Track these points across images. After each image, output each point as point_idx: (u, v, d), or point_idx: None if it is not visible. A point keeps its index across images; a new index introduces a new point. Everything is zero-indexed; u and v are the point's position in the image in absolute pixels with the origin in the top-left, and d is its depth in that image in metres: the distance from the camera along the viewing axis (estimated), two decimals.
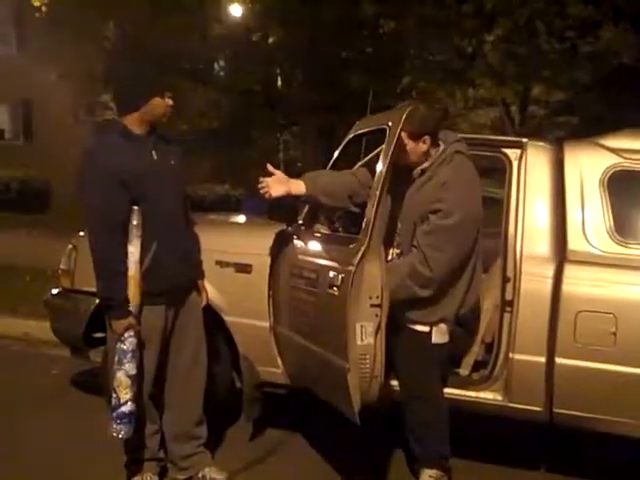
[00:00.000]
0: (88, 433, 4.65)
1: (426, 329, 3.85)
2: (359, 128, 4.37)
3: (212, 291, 4.41)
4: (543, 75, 17.09)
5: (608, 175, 3.99)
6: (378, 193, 3.48)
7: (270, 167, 3.96)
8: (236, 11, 14.94)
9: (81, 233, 5.08)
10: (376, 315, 3.44)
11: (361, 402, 3.43)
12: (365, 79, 13.09)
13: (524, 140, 4.22)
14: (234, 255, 4.44)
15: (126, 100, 3.65)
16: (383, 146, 3.64)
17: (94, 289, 4.59)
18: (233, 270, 4.44)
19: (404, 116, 3.56)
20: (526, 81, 17.84)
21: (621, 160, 4.00)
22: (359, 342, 3.37)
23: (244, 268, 4.39)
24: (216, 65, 15.74)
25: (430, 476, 3.83)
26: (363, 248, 3.40)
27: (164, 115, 3.68)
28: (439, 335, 3.87)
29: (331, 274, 3.58)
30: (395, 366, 3.86)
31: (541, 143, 4.24)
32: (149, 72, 3.71)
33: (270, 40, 14.59)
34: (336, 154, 4.48)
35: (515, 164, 4.16)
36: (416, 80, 15.25)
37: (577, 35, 15.89)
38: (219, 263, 4.45)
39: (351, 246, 3.52)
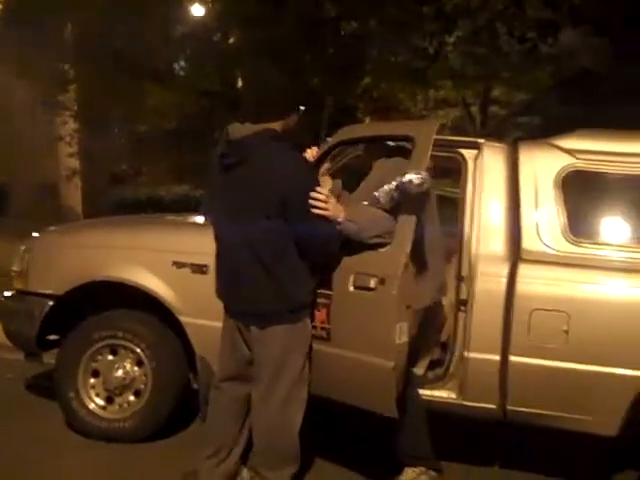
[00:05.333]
0: (45, 437, 4.62)
1: None
2: (349, 135, 4.20)
3: (168, 292, 4.43)
4: (504, 76, 17.21)
5: (562, 175, 4.04)
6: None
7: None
8: (197, 11, 14.85)
9: (35, 234, 5.03)
10: (409, 315, 3.58)
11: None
12: (326, 80, 13.10)
13: (480, 141, 4.24)
14: (190, 256, 4.41)
15: (275, 107, 3.62)
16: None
17: (48, 291, 4.62)
18: (189, 271, 4.41)
19: (435, 129, 3.59)
20: (487, 82, 17.95)
21: (575, 161, 4.05)
22: (397, 341, 3.45)
23: (200, 269, 4.36)
24: (176, 65, 15.64)
25: (413, 471, 3.90)
26: (407, 253, 3.44)
27: (293, 130, 3.69)
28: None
29: (358, 277, 3.57)
30: None
31: (497, 144, 4.27)
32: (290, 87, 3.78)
33: (231, 40, 14.53)
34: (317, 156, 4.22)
35: (471, 164, 4.19)
36: (377, 81, 15.27)
37: (537, 37, 16.05)
38: (175, 264, 4.42)
39: (382, 250, 3.54)
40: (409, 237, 3.45)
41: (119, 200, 15.92)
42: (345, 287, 3.59)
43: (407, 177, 3.38)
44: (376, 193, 3.54)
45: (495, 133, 18.62)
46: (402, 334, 3.47)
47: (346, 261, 3.64)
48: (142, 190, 17.09)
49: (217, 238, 3.73)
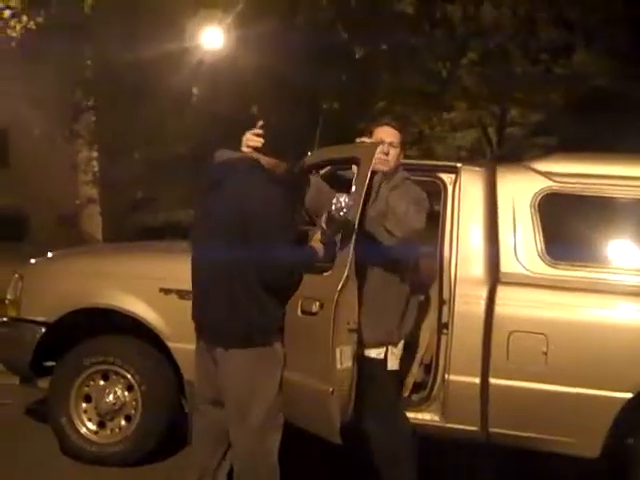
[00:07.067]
0: (39, 461, 4.69)
1: (381, 356, 3.84)
2: (313, 159, 4.26)
3: (156, 318, 4.50)
4: (517, 97, 17.24)
5: (539, 198, 4.08)
6: (355, 226, 3.50)
7: None
8: (214, 37, 15.03)
9: (32, 261, 5.12)
10: (353, 340, 3.53)
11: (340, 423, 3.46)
12: (339, 105, 13.25)
13: (458, 165, 4.29)
14: (176, 282, 4.44)
15: (284, 149, 3.59)
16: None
17: (40, 318, 4.70)
18: (176, 297, 4.47)
19: (376, 153, 3.59)
20: (501, 103, 17.99)
21: (551, 184, 4.09)
22: (339, 366, 3.43)
23: (186, 295, 4.41)
24: (194, 90, 15.83)
25: None
26: (344, 277, 3.41)
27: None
28: (394, 360, 3.88)
29: (305, 301, 3.57)
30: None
31: (475, 167, 4.31)
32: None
33: (245, 67, 14.71)
34: None
35: (450, 188, 4.23)
36: (391, 105, 15.38)
37: (550, 58, 16.09)
38: (162, 290, 4.50)
39: (325, 274, 3.54)
40: (348, 260, 3.42)
41: (140, 226, 16.09)
42: (295, 312, 3.59)
43: (334, 203, 3.38)
44: (322, 221, 3.57)
45: (512, 154, 18.68)
46: (345, 358, 3.43)
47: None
48: (161, 216, 17.25)
49: (192, 261, 3.76)
